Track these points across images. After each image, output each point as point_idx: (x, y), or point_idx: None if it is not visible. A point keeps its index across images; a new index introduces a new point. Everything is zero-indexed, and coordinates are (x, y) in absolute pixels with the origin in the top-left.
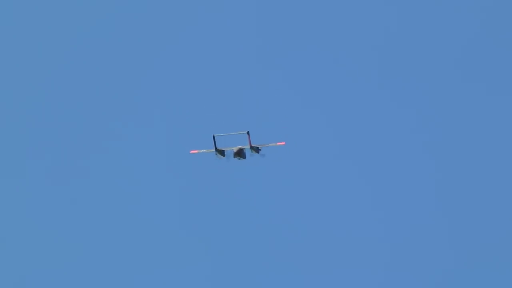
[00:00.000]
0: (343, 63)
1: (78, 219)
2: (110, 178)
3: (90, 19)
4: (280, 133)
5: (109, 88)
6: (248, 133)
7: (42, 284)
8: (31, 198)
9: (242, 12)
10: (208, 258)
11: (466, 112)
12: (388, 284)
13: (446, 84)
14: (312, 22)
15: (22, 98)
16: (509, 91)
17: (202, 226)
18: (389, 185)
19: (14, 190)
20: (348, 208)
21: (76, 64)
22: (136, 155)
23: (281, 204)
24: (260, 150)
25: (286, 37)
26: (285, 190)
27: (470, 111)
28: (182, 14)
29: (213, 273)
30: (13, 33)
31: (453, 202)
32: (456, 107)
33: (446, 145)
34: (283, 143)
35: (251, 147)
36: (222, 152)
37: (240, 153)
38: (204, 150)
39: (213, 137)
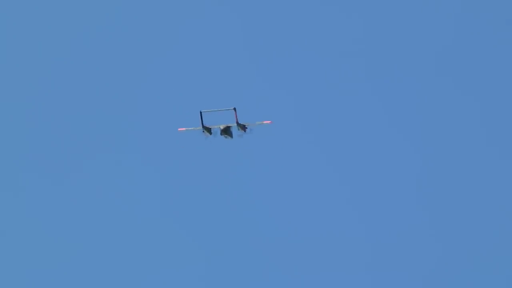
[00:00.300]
0: (336, 55)
1: (70, 210)
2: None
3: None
4: (266, 113)
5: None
6: (235, 109)
7: (42, 284)
8: (30, 198)
9: (243, 11)
10: (195, 247)
11: (457, 113)
12: (384, 282)
13: (436, 83)
14: (312, 18)
15: (20, 98)
16: (502, 91)
17: (187, 212)
18: (374, 179)
19: (14, 189)
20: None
21: (75, 64)
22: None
23: (267, 188)
24: (246, 128)
25: (276, 34)
26: (271, 171)
27: (461, 111)
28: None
29: (200, 262)
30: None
31: (444, 202)
32: (447, 107)
33: (440, 144)
34: (270, 121)
35: (238, 124)
36: (209, 130)
37: (227, 131)
38: (192, 128)
39: (200, 113)
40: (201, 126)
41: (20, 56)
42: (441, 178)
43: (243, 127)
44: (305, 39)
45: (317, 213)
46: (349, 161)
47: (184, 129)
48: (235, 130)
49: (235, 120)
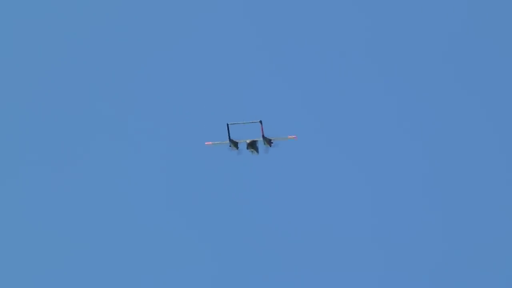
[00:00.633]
0: (347, 60)
1: (80, 216)
2: (118, 174)
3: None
4: (291, 127)
5: (110, 85)
6: (260, 122)
7: (40, 281)
8: (30, 198)
9: (243, 10)
10: (215, 255)
11: (461, 113)
12: (389, 283)
13: (441, 83)
14: (316, 18)
15: (18, 98)
16: (503, 92)
17: (209, 223)
18: (390, 183)
19: (13, 190)
20: (350, 207)
21: (75, 63)
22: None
23: (287, 201)
24: (272, 142)
25: (288, 35)
26: (292, 187)
27: (464, 111)
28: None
29: (218, 269)
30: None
31: (450, 202)
32: (450, 107)
33: (446, 145)
34: (295, 136)
35: (264, 138)
36: (235, 144)
37: (253, 145)
38: (218, 142)
39: (227, 125)
40: (228, 139)
41: (20, 55)
42: (452, 180)
43: (268, 142)
44: (334, 55)
45: (337, 234)
46: (366, 165)
47: (211, 143)
48: (261, 144)
49: (261, 134)
